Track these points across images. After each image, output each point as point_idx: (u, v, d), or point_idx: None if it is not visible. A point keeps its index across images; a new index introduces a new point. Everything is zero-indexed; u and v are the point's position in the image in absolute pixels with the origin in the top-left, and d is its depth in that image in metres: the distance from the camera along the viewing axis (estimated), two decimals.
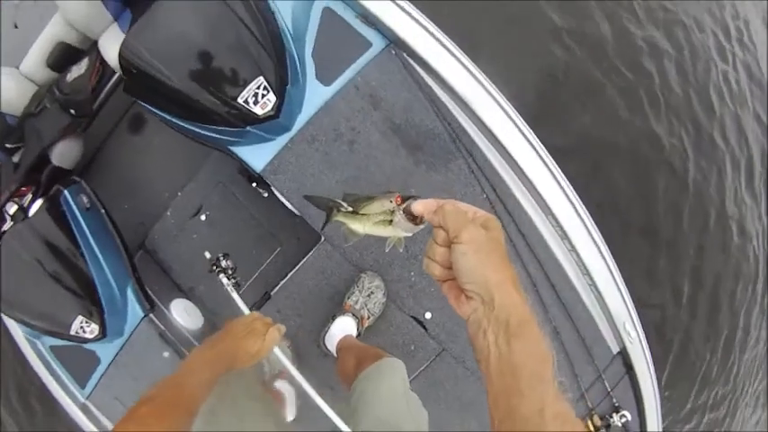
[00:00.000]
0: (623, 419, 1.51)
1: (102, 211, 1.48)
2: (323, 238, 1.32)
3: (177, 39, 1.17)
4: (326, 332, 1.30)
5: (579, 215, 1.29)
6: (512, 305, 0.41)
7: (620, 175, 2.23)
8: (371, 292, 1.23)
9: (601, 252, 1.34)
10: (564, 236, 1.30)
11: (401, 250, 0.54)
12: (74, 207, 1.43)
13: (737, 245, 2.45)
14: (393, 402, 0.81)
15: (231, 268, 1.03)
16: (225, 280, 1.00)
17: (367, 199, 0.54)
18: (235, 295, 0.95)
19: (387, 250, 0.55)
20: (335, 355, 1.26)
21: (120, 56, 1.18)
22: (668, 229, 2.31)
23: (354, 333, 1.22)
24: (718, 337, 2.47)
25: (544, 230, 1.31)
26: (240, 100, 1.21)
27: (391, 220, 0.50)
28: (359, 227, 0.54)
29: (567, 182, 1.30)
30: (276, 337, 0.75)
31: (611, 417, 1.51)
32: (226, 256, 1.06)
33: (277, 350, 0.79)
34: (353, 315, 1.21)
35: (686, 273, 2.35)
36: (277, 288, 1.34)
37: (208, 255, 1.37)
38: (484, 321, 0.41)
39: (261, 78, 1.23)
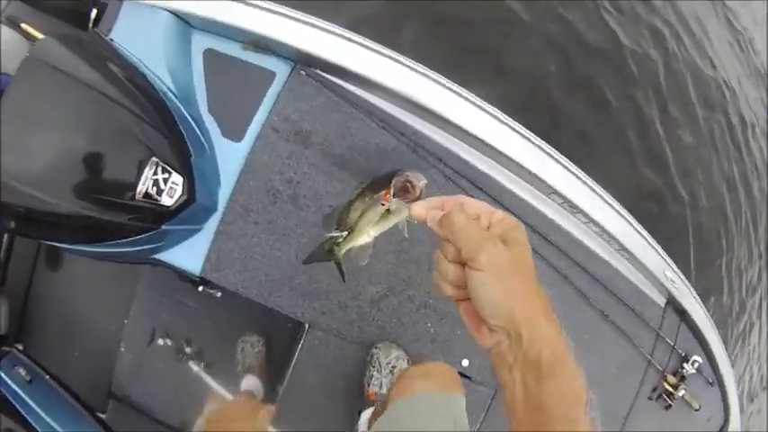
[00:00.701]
0: (696, 365, 1.40)
1: (47, 377, 1.27)
2: (307, 326, 1.05)
3: (37, 150, 0.89)
4: (357, 426, 1.04)
5: (582, 181, 1.10)
6: (543, 340, 0.35)
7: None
8: (393, 367, 0.99)
9: (616, 211, 1.16)
10: (574, 209, 1.10)
11: (416, 222, 0.46)
12: (12, 385, 1.20)
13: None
14: None
15: (196, 352, 1.00)
16: (195, 367, 0.97)
17: (350, 204, 0.49)
18: (210, 381, 0.93)
19: (406, 236, 0.51)
20: None
21: None
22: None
23: None
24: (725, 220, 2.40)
25: (551, 213, 1.11)
26: (139, 196, 0.95)
27: (389, 210, 0.47)
28: (365, 238, 0.50)
29: (551, 147, 1.10)
30: (267, 419, 0.74)
31: (683, 368, 1.38)
32: (188, 341, 1.00)
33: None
34: None
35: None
36: (278, 400, 1.07)
37: (169, 342, 1.18)
38: (509, 357, 0.36)
39: (154, 159, 0.95)
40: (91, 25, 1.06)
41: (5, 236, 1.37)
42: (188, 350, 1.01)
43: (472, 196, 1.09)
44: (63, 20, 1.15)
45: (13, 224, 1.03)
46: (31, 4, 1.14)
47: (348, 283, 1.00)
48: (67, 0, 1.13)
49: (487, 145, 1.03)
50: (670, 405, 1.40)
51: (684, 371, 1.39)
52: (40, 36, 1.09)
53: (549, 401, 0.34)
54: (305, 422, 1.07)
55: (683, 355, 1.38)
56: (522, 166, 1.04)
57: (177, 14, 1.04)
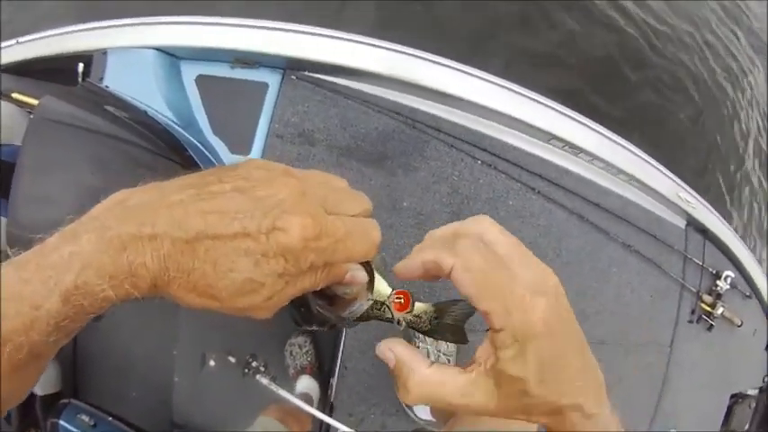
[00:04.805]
0: (728, 280, 1.40)
1: (110, 418, 1.30)
2: None
3: (59, 200, 0.94)
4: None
5: (576, 120, 1.13)
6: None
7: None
8: None
9: (616, 142, 1.19)
10: (576, 150, 1.14)
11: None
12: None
13: None
14: None
15: (264, 365, 1.01)
16: (265, 380, 0.96)
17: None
18: (282, 392, 0.91)
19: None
20: (432, 418, 1.05)
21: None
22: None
23: None
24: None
25: (555, 159, 1.15)
26: None
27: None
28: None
29: (539, 95, 1.13)
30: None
31: (717, 285, 1.40)
32: (254, 356, 1.00)
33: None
34: None
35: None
36: (333, 393, 1.11)
37: (233, 359, 1.21)
38: None
39: None
40: (81, 78, 1.11)
41: None
42: (254, 364, 1.02)
43: (476, 160, 1.15)
44: (51, 81, 1.21)
45: None
46: (17, 73, 1.19)
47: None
48: (51, 62, 1.18)
49: (479, 106, 1.07)
50: (712, 325, 1.41)
51: (719, 288, 1.40)
52: (33, 101, 1.13)
53: None
54: (363, 404, 1.11)
55: (715, 272, 1.39)
56: (515, 119, 1.07)
57: (162, 50, 1.09)
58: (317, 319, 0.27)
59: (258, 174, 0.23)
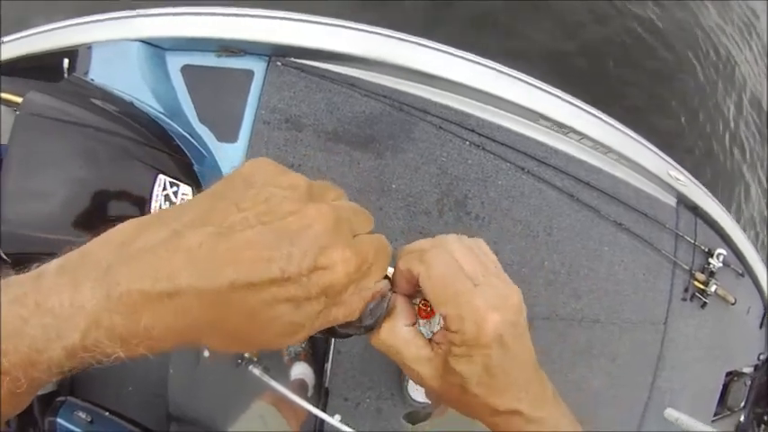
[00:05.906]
0: (721, 258, 1.41)
1: (107, 414, 1.33)
2: None
3: (48, 197, 0.94)
4: (408, 382, 1.08)
5: (563, 99, 1.13)
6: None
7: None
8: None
9: (605, 121, 1.19)
10: (565, 129, 1.13)
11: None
12: (75, 429, 1.26)
13: None
14: None
15: (256, 356, 1.02)
16: (257, 371, 0.98)
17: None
18: (273, 383, 0.93)
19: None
20: (428, 400, 1.05)
21: (7, 254, 0.94)
22: None
23: None
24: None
25: (544, 138, 1.14)
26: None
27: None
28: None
29: (526, 75, 1.13)
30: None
31: (710, 263, 1.40)
32: None
33: None
34: None
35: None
36: (327, 379, 1.11)
37: None
38: None
39: (161, 177, 1.01)
40: (66, 74, 1.11)
41: None
42: (246, 355, 1.04)
43: (464, 141, 1.15)
44: (36, 78, 1.20)
45: None
46: (3, 72, 1.19)
47: None
48: (37, 59, 1.18)
49: (465, 87, 1.06)
50: (705, 303, 1.42)
51: (711, 266, 1.40)
52: (19, 99, 1.13)
53: None
54: (357, 389, 1.11)
55: (707, 250, 1.40)
56: (503, 99, 1.07)
57: (146, 42, 1.09)
58: (338, 334, 0.26)
59: (279, 194, 0.21)
